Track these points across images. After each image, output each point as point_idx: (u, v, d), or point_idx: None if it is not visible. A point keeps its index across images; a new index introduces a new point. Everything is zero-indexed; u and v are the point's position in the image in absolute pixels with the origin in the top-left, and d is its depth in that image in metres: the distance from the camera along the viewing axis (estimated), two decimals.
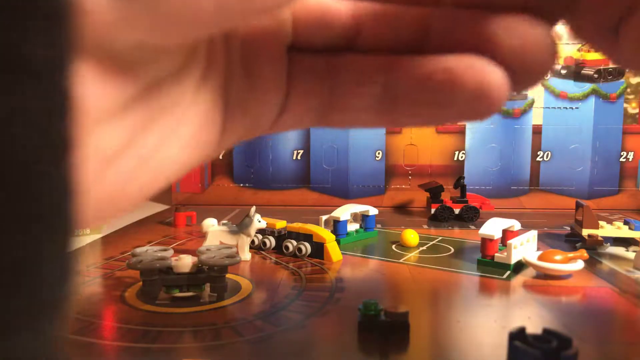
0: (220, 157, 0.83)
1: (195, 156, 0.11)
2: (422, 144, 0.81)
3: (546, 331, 0.23)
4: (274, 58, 0.11)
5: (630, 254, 0.50)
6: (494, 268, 0.45)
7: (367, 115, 0.11)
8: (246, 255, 0.47)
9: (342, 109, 0.12)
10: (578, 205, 0.55)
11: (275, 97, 0.11)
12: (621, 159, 0.80)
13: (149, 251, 0.38)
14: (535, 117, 0.80)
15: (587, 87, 0.79)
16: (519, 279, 0.42)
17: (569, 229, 0.59)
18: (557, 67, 0.79)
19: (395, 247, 0.53)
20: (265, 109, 0.11)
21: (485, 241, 0.46)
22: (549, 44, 0.10)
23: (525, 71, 0.10)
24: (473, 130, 0.81)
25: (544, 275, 0.43)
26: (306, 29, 0.11)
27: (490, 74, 0.10)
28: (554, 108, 0.80)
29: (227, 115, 0.11)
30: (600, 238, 0.52)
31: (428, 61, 0.10)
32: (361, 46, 0.11)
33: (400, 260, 0.48)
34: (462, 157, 0.81)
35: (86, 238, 0.57)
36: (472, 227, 0.64)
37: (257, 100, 0.11)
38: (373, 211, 0.58)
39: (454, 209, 0.68)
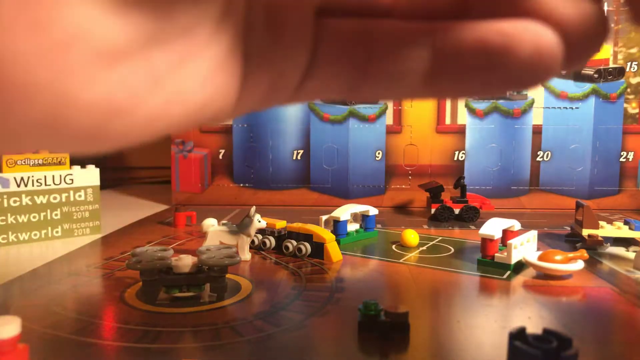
0: (220, 157, 0.83)
1: (212, 100, 0.10)
2: (422, 144, 0.81)
3: (546, 331, 0.23)
4: (300, 10, 0.10)
5: (630, 254, 0.50)
6: (494, 268, 0.45)
7: (408, 85, 0.11)
8: (246, 255, 0.47)
9: (379, 78, 0.11)
10: (578, 205, 0.55)
11: (300, 54, 0.11)
12: (621, 159, 0.80)
13: (149, 251, 0.38)
14: (536, 117, 0.80)
15: (587, 87, 0.79)
16: (519, 279, 0.42)
17: (569, 229, 0.59)
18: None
19: (395, 247, 0.53)
20: (287, 65, 0.11)
21: (485, 241, 0.46)
22: (601, 16, 0.09)
23: (578, 43, 0.09)
24: (473, 130, 0.81)
25: (544, 275, 0.43)
26: None
27: (547, 37, 0.09)
28: (554, 108, 0.80)
29: (248, 63, 0.10)
30: (600, 238, 0.52)
31: (479, 25, 0.10)
32: (399, 13, 0.11)
33: (400, 260, 0.48)
34: (462, 157, 0.81)
35: (86, 238, 0.57)
36: (472, 227, 0.64)
37: (279, 54, 0.11)
38: (373, 211, 0.58)
39: (454, 209, 0.68)
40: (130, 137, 0.10)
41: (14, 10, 0.07)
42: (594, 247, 0.51)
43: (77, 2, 0.08)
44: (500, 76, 0.10)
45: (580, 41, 0.10)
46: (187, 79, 0.10)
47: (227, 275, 0.37)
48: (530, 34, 0.09)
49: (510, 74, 0.10)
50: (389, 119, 0.81)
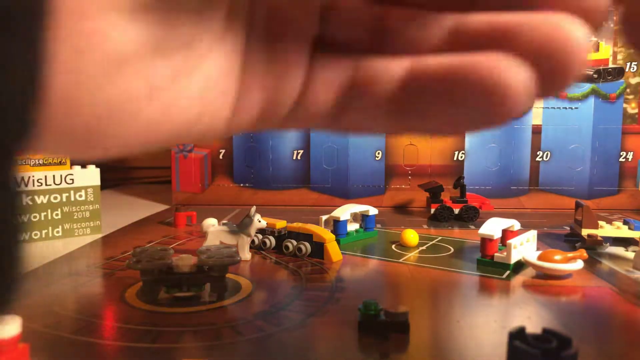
0: (220, 157, 0.83)
1: (208, 113, 0.11)
2: (422, 144, 0.81)
3: (546, 331, 0.23)
4: (298, 30, 0.11)
5: (629, 254, 0.50)
6: (493, 268, 0.45)
7: (378, 116, 0.11)
8: (246, 255, 0.47)
9: (356, 109, 0.11)
10: (578, 205, 0.55)
11: (295, 75, 0.11)
12: (621, 159, 0.80)
13: (149, 251, 0.38)
14: (535, 117, 0.80)
15: (587, 87, 0.79)
16: (518, 279, 0.42)
17: (568, 229, 0.59)
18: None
19: (395, 247, 0.53)
20: (282, 85, 0.11)
21: (485, 241, 0.46)
22: (577, 44, 0.09)
23: (552, 72, 0.09)
24: None
25: (544, 275, 0.43)
26: (336, 22, 0.11)
27: (513, 70, 0.09)
28: (554, 108, 0.80)
29: (244, 78, 0.11)
30: (599, 238, 0.52)
31: (452, 58, 0.10)
32: (387, 46, 0.11)
33: (400, 260, 0.48)
34: (461, 157, 0.81)
35: (86, 238, 0.57)
36: (472, 227, 0.64)
37: (275, 73, 0.11)
38: (373, 211, 0.58)
39: (454, 209, 0.68)
40: (124, 146, 0.10)
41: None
42: (593, 247, 0.51)
43: (101, 7, 0.08)
44: (463, 111, 0.10)
45: (554, 69, 0.09)
46: (184, 90, 0.10)
47: (227, 275, 0.37)
48: (492, 66, 0.09)
49: (473, 109, 0.10)
50: None
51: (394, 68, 0.11)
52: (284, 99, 0.11)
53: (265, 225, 0.48)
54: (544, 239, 0.56)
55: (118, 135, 0.09)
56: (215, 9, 0.09)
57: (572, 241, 0.55)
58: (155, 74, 0.09)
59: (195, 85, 0.10)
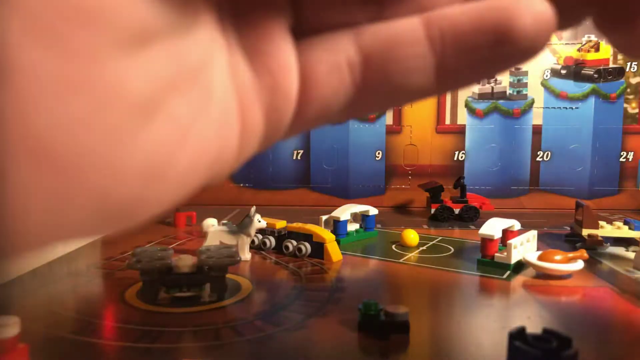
0: None
1: (225, 149, 0.09)
2: (422, 144, 0.81)
3: (546, 331, 0.23)
4: (274, 29, 0.09)
5: (630, 254, 0.50)
6: (494, 268, 0.45)
7: (418, 83, 0.10)
8: (246, 255, 0.47)
9: (379, 86, 0.10)
10: (578, 205, 0.55)
11: (288, 84, 0.10)
12: (621, 159, 0.80)
13: (149, 251, 0.38)
14: (535, 117, 0.80)
15: (587, 87, 0.79)
16: (519, 279, 0.42)
17: (569, 229, 0.59)
18: (557, 67, 0.79)
19: (395, 247, 0.53)
20: (278, 98, 0.10)
21: (485, 241, 0.46)
22: None
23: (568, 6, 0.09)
24: (473, 130, 0.81)
25: (544, 275, 0.43)
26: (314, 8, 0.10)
27: (541, 4, 0.09)
28: (554, 108, 0.80)
29: (243, 100, 0.10)
30: (600, 238, 0.52)
31: (472, 6, 0.10)
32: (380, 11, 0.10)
33: (400, 260, 0.48)
34: (462, 157, 0.81)
35: (86, 238, 0.57)
36: (472, 227, 0.64)
37: (267, 86, 0.10)
38: (373, 211, 0.58)
39: (454, 209, 0.68)
40: (162, 204, 0.09)
41: (54, 72, 0.06)
42: (593, 247, 0.51)
43: (113, 54, 0.07)
44: (506, 51, 0.09)
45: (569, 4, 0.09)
46: (206, 125, 0.09)
47: (227, 275, 0.37)
48: (526, 4, 0.09)
49: (515, 47, 0.09)
50: (388, 119, 0.81)
51: (409, 26, 0.10)
52: (283, 103, 0.10)
53: (265, 225, 0.48)
54: (544, 239, 0.56)
55: (154, 195, 0.08)
56: (203, 22, 0.08)
57: (572, 241, 0.55)
58: (178, 114, 0.08)
59: (214, 116, 0.09)
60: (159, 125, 0.08)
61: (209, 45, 0.09)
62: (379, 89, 0.10)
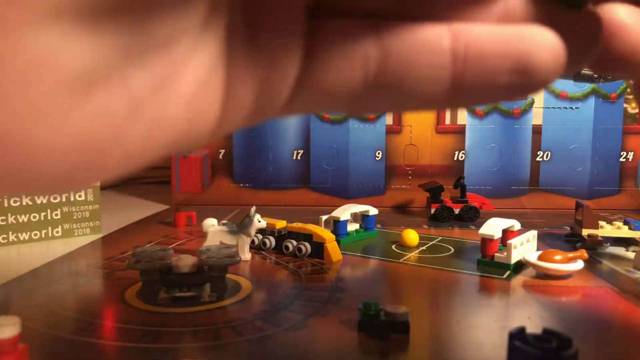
0: (220, 157, 0.83)
1: (198, 121, 0.09)
2: (422, 144, 0.81)
3: (546, 331, 0.23)
4: (285, 9, 0.09)
5: (630, 254, 0.50)
6: (494, 268, 0.45)
7: (430, 93, 0.10)
8: (246, 255, 0.47)
9: (392, 88, 0.10)
10: (578, 205, 0.55)
11: (288, 63, 0.09)
12: (621, 159, 0.80)
13: (149, 251, 0.38)
14: (535, 117, 0.80)
15: (587, 87, 0.79)
16: (519, 279, 0.42)
17: (569, 229, 0.59)
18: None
19: (395, 247, 0.53)
20: (274, 76, 0.09)
21: (485, 241, 0.46)
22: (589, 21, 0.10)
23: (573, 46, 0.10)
24: (473, 130, 0.81)
25: (544, 275, 0.43)
26: None
27: (556, 41, 0.09)
28: (554, 108, 0.80)
29: (231, 75, 0.09)
30: (600, 238, 0.52)
31: (498, 29, 0.10)
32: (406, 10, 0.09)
33: (400, 260, 0.48)
34: (462, 157, 0.81)
35: (86, 238, 0.57)
36: (472, 227, 0.64)
37: (263, 63, 0.09)
38: (373, 211, 0.58)
39: (454, 209, 0.68)
40: (109, 174, 0.09)
41: None
42: (593, 247, 0.51)
43: (39, 25, 0.06)
44: (523, 81, 0.10)
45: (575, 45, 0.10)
46: (169, 100, 0.08)
47: (227, 275, 0.37)
48: (546, 39, 0.09)
49: (533, 79, 0.10)
50: (388, 119, 0.81)
51: (435, 34, 0.09)
52: (279, 87, 0.10)
53: (265, 225, 0.48)
54: (544, 239, 0.56)
55: (96, 168, 0.08)
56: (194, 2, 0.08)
57: (572, 241, 0.55)
58: (133, 88, 0.08)
59: (181, 91, 0.09)
60: (102, 99, 0.07)
61: (186, 20, 0.08)
62: (389, 90, 0.10)
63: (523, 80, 0.10)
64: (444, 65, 0.09)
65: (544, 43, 0.09)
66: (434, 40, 0.09)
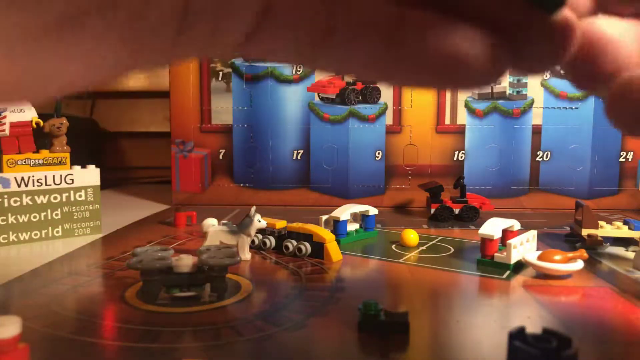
0: (220, 157, 0.83)
1: (88, 66, 0.09)
2: (422, 144, 0.81)
3: (546, 331, 0.23)
4: None
5: (629, 253, 0.50)
6: (493, 268, 0.45)
7: (366, 57, 0.10)
8: (246, 255, 0.47)
9: (337, 48, 0.10)
10: (578, 205, 0.55)
11: (245, 13, 0.09)
12: (621, 159, 0.80)
13: (149, 251, 0.38)
14: (535, 117, 0.80)
15: None
16: (518, 279, 0.42)
17: (568, 229, 0.59)
18: (557, 67, 0.79)
19: (395, 247, 0.53)
20: (228, 23, 0.10)
21: (485, 241, 0.46)
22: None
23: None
24: (473, 130, 0.81)
25: (544, 275, 0.43)
26: None
27: (494, 47, 0.10)
28: (554, 108, 0.80)
29: (184, 17, 0.09)
30: (600, 238, 0.52)
31: (441, 28, 0.10)
32: None
33: (400, 260, 0.48)
34: (462, 157, 0.81)
35: (86, 238, 0.57)
36: (472, 227, 0.64)
37: (220, 12, 0.09)
38: (373, 211, 0.58)
39: (454, 209, 0.68)
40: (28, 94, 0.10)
41: None
42: (593, 247, 0.51)
43: None
44: (454, 77, 0.10)
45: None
46: (50, 45, 0.09)
47: (227, 275, 0.37)
48: (480, 44, 0.10)
49: (463, 77, 0.10)
50: (388, 119, 0.81)
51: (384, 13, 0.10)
52: (233, 34, 0.10)
53: (265, 225, 0.48)
54: (544, 239, 0.56)
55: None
56: None
57: (572, 241, 0.55)
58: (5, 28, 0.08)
59: (68, 38, 0.09)
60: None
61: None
62: (337, 47, 0.10)
63: (451, 78, 0.10)
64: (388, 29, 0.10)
65: (474, 49, 0.10)
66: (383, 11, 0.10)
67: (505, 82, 0.81)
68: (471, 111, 0.81)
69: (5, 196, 0.53)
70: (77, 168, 0.58)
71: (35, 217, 0.55)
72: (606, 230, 0.53)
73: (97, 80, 0.10)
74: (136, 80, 1.14)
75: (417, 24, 0.10)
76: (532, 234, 0.48)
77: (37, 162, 0.56)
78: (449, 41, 0.10)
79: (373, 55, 0.10)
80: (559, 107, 0.80)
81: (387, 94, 0.81)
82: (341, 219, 0.54)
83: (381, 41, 0.10)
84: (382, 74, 0.11)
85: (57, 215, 0.57)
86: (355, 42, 0.10)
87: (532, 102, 0.80)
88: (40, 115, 0.56)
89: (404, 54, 0.10)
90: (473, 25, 0.10)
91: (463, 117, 0.81)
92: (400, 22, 0.10)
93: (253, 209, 0.48)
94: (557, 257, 0.42)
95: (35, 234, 0.55)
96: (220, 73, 0.82)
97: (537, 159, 0.81)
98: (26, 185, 0.55)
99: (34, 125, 0.56)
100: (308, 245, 0.48)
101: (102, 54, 0.09)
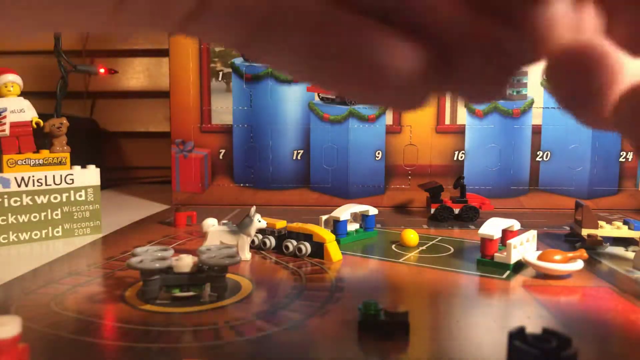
0: (221, 157, 0.83)
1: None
2: (422, 144, 0.81)
3: (546, 331, 0.23)
4: None
5: (629, 253, 0.50)
6: (493, 268, 0.45)
7: (295, 58, 0.10)
8: (246, 255, 0.47)
9: (269, 41, 0.10)
10: (578, 205, 0.55)
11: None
12: (621, 159, 0.80)
13: (149, 251, 0.38)
14: (535, 117, 0.80)
15: None
16: (518, 279, 0.42)
17: (568, 228, 0.59)
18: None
19: (395, 247, 0.53)
20: (170, 4, 0.10)
21: (485, 241, 0.46)
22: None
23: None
24: (473, 130, 0.81)
25: (544, 275, 0.43)
26: None
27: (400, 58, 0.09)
28: (554, 108, 0.80)
29: None
30: (599, 238, 0.52)
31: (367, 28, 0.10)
32: None
33: (400, 260, 0.48)
34: (461, 157, 0.81)
35: (86, 238, 0.57)
36: (472, 227, 0.64)
37: None
38: (373, 211, 0.58)
39: (454, 209, 0.68)
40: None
41: None
42: (593, 247, 0.51)
43: None
44: (379, 92, 0.10)
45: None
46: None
47: (227, 275, 0.37)
48: (413, 60, 0.09)
49: (388, 93, 0.10)
50: (388, 119, 0.81)
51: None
52: (174, 14, 0.10)
53: (265, 225, 0.48)
54: (544, 239, 0.56)
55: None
56: None
57: (572, 241, 0.55)
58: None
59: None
60: None
61: None
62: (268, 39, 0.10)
63: (375, 90, 0.10)
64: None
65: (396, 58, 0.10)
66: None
67: None
68: (471, 111, 0.81)
69: (5, 196, 0.53)
70: (77, 168, 0.58)
71: (35, 217, 0.55)
72: (606, 230, 0.53)
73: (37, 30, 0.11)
74: (136, 81, 1.14)
75: (350, 27, 0.10)
76: (532, 234, 0.48)
77: (37, 162, 0.56)
78: (380, 50, 0.09)
79: (299, 53, 0.10)
80: (559, 107, 0.80)
81: None
82: (341, 219, 0.54)
83: (307, 39, 0.10)
84: (309, 75, 0.11)
85: (57, 215, 0.57)
86: (287, 38, 0.10)
87: (532, 102, 0.80)
88: (40, 115, 0.56)
89: (328, 55, 0.10)
90: (416, 38, 0.10)
91: (463, 117, 0.81)
92: (331, 23, 0.10)
93: (253, 209, 0.48)
94: (557, 257, 0.43)
95: (36, 234, 0.55)
96: (220, 73, 0.82)
97: (537, 159, 0.81)
98: (26, 185, 0.55)
99: (34, 125, 0.56)
100: (308, 245, 0.48)
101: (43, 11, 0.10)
